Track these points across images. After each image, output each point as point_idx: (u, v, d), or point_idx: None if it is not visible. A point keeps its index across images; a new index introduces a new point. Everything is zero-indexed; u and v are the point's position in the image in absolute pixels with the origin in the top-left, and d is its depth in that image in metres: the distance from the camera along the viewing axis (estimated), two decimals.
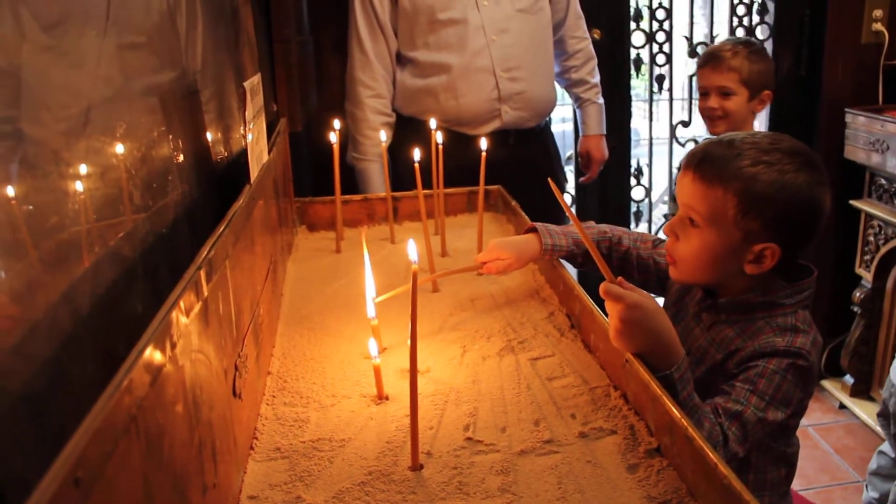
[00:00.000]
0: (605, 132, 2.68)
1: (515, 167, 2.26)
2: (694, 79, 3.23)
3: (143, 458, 0.61)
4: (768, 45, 3.17)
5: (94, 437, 0.51)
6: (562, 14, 2.51)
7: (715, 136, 1.36)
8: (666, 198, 3.56)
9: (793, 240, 1.21)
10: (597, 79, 2.66)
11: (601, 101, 2.66)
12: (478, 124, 2.30)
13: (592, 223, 1.57)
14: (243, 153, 1.30)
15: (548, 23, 2.42)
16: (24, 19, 0.64)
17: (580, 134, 2.70)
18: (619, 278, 1.09)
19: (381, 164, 2.31)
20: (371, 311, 1.21)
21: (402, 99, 2.37)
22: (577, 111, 2.71)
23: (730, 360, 1.22)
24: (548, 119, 2.53)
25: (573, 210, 2.40)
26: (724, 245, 1.22)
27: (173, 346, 0.71)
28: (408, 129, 2.33)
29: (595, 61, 2.65)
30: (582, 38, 2.60)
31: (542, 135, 2.49)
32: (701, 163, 1.23)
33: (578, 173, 3.11)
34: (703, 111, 2.27)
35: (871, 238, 2.94)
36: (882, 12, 2.98)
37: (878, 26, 2.99)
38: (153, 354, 0.65)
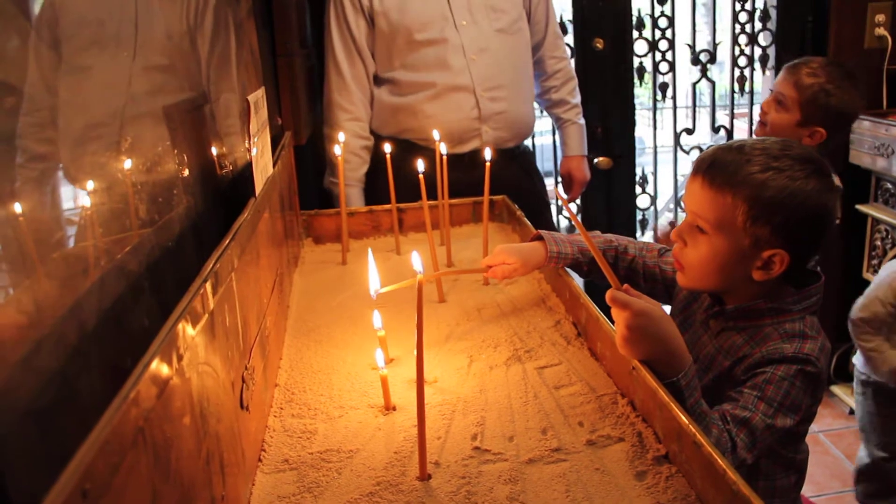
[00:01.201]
0: (586, 153, 2.66)
1: (494, 186, 2.25)
2: (697, 87, 3.24)
3: (151, 470, 0.61)
4: (771, 52, 3.18)
5: (101, 448, 0.51)
6: (541, 35, 2.50)
7: (724, 143, 1.35)
8: (672, 205, 3.55)
9: (801, 246, 1.21)
10: (577, 99, 2.63)
11: (582, 121, 2.64)
12: (457, 143, 2.29)
13: (598, 233, 1.57)
14: (248, 167, 1.31)
15: (527, 43, 2.42)
16: (32, 37, 0.65)
17: (561, 155, 2.69)
18: (626, 285, 1.09)
19: (360, 188, 2.30)
20: (377, 322, 1.22)
21: (379, 119, 2.35)
22: (558, 132, 2.69)
23: (738, 366, 1.22)
24: (527, 140, 2.54)
25: (579, 219, 2.40)
26: (732, 251, 1.21)
27: (180, 358, 0.71)
28: (419, 145, 2.31)
29: (575, 81, 2.63)
30: (561, 58, 2.58)
31: (521, 155, 2.48)
32: (710, 168, 1.23)
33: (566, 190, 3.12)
34: (761, 108, 2.13)
35: (878, 242, 2.94)
36: (885, 17, 2.98)
37: (881, 31, 2.99)
38: (160, 367, 0.65)
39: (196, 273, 0.88)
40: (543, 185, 2.63)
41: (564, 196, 2.73)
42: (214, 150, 1.29)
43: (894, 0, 2.99)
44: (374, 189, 2.31)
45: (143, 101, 0.95)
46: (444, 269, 1.61)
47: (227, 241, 1.00)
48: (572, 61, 2.96)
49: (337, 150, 1.78)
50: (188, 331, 0.75)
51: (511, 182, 2.33)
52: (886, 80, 3.01)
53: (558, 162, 2.80)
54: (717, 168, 1.22)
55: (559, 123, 2.66)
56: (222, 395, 0.87)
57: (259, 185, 1.31)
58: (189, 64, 1.17)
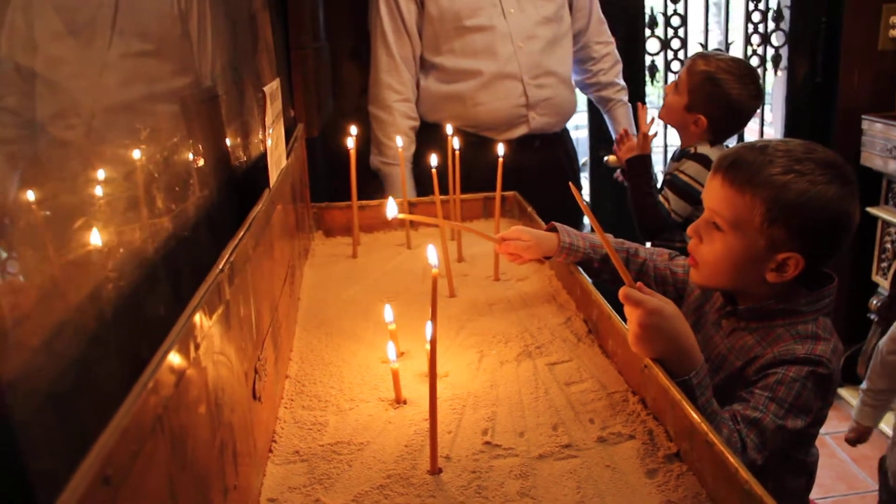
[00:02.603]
0: (636, 132, 2.65)
1: (540, 170, 2.27)
2: None
3: (169, 458, 0.61)
4: (783, 52, 3.17)
5: (122, 436, 0.52)
6: (584, 21, 2.52)
7: (748, 142, 1.35)
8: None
9: (818, 251, 1.20)
10: (622, 81, 2.66)
11: (628, 102, 2.66)
12: (505, 129, 2.32)
13: (610, 236, 1.57)
14: (262, 158, 1.31)
15: (568, 30, 2.43)
16: (45, 23, 0.65)
17: (614, 135, 2.67)
18: (639, 283, 1.09)
19: (407, 168, 2.32)
20: (389, 315, 1.22)
21: (425, 105, 2.37)
22: (607, 115, 2.69)
23: (749, 367, 1.21)
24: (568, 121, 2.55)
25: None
26: (746, 251, 1.21)
27: (196, 347, 0.72)
28: (432, 135, 2.33)
29: (621, 64, 2.66)
30: (608, 43, 2.61)
31: (564, 138, 2.50)
32: (731, 167, 1.22)
33: (593, 180, 3.11)
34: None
35: (889, 245, 2.93)
36: None
37: (895, 33, 2.97)
38: (178, 356, 0.65)
39: (211, 263, 0.88)
40: (579, 168, 2.69)
41: (584, 197, 2.73)
42: (229, 141, 1.29)
43: None
44: (417, 171, 2.35)
45: (158, 89, 0.95)
46: (454, 271, 1.60)
47: (243, 232, 1.00)
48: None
49: (349, 142, 1.78)
50: (204, 321, 0.76)
51: (557, 164, 2.37)
52: None
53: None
54: (738, 167, 1.21)
55: (609, 106, 2.66)
56: (236, 386, 0.88)
57: (273, 177, 1.31)
58: (201, 54, 1.17)
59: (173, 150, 0.98)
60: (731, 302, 1.31)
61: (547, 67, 2.33)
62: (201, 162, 1.11)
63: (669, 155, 2.34)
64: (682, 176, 2.13)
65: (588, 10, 2.52)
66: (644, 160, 2.19)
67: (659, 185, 2.33)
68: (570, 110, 2.48)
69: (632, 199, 2.18)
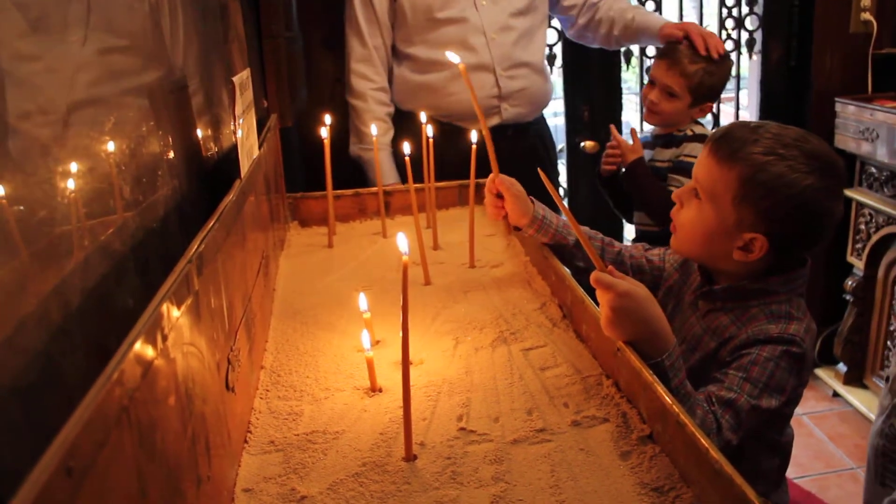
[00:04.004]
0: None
1: (514, 159, 2.25)
2: None
3: (136, 450, 0.61)
4: (758, 36, 3.18)
5: (85, 427, 0.51)
6: None
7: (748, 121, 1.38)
8: None
9: (785, 238, 1.21)
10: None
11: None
12: (477, 121, 2.31)
13: (586, 229, 1.58)
14: (234, 149, 1.30)
15: (543, 20, 2.42)
16: (9, 19, 0.64)
17: (651, 32, 2.45)
18: (610, 267, 1.09)
19: (388, 151, 2.32)
20: (363, 304, 1.22)
21: (400, 94, 2.37)
22: (635, 30, 2.47)
23: (724, 347, 1.23)
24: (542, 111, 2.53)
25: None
26: (717, 224, 1.23)
27: (164, 338, 0.71)
28: (406, 123, 2.33)
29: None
30: None
31: (538, 126, 2.49)
32: (719, 139, 1.24)
33: (570, 167, 3.11)
34: (643, 98, 2.26)
35: (863, 226, 2.95)
36: (870, 1, 2.99)
37: (867, 15, 2.99)
38: (144, 347, 0.65)
39: (181, 254, 0.87)
40: (556, 158, 2.67)
41: (561, 184, 2.72)
42: (199, 132, 1.28)
43: None
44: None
45: (123, 82, 0.94)
46: (430, 259, 1.61)
47: (212, 223, 1.00)
48: (559, 45, 2.97)
49: (323, 132, 1.77)
50: (173, 312, 0.75)
51: (529, 152, 2.37)
52: (871, 65, 3.02)
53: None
54: (725, 140, 1.23)
55: (632, 19, 2.46)
56: (208, 377, 0.87)
57: (244, 168, 1.30)
58: (170, 44, 1.16)
59: (141, 142, 0.98)
60: (707, 282, 1.32)
61: (520, 59, 2.32)
62: (171, 153, 1.10)
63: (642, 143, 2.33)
64: (688, 159, 2.15)
65: None
66: (643, 158, 2.21)
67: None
68: (544, 100, 2.48)
69: (647, 195, 2.19)
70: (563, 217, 1.52)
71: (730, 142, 1.22)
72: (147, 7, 1.05)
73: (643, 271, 1.49)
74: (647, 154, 2.28)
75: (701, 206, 1.25)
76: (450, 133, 2.24)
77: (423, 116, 1.79)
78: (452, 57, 1.53)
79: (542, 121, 2.54)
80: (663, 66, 2.18)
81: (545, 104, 2.50)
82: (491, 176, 1.53)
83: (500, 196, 1.52)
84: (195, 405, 0.80)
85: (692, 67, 2.13)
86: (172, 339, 0.74)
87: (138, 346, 0.64)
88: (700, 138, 2.17)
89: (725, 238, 1.22)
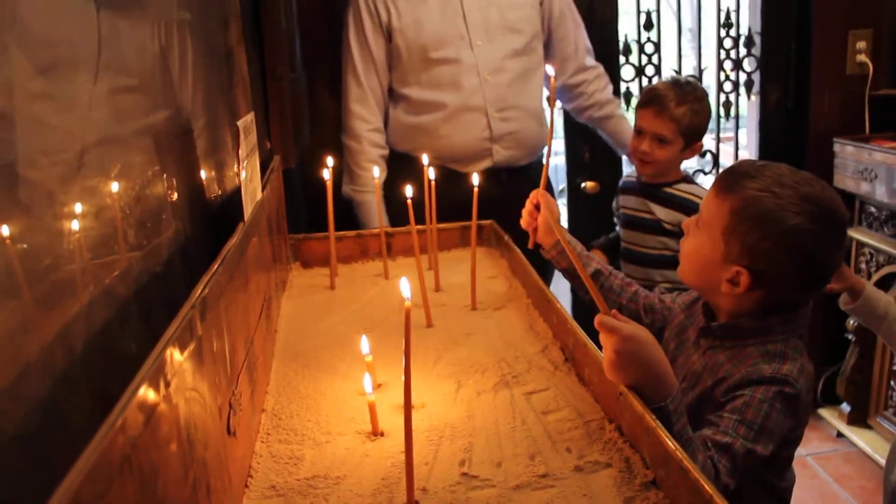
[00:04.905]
0: None
1: (507, 204, 2.26)
2: None
3: (138, 497, 0.61)
4: (756, 77, 3.21)
5: (87, 476, 0.51)
6: (571, 48, 2.52)
7: (757, 160, 1.41)
8: None
9: (772, 276, 1.22)
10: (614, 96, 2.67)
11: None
12: (469, 162, 2.32)
13: (604, 263, 1.63)
14: (237, 191, 1.31)
15: (540, 63, 2.44)
16: (18, 62, 0.65)
17: (617, 146, 2.67)
18: (613, 311, 1.10)
19: (381, 194, 2.32)
20: (365, 347, 1.21)
21: (395, 135, 2.39)
22: (610, 133, 2.65)
23: (719, 386, 1.23)
24: (540, 154, 2.53)
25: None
26: (709, 253, 1.26)
27: (167, 384, 0.71)
28: (401, 165, 2.35)
29: (612, 85, 2.66)
30: (596, 66, 2.60)
31: (533, 171, 2.49)
32: (724, 172, 1.29)
33: (571, 207, 3.12)
34: (634, 151, 2.20)
35: (863, 265, 2.96)
36: (865, 44, 3.03)
37: (862, 57, 3.03)
38: (147, 393, 0.65)
39: (185, 298, 0.88)
40: (555, 197, 2.65)
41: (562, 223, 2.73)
42: (204, 175, 1.29)
43: (874, 27, 3.03)
44: (388, 202, 2.34)
45: (127, 124, 0.95)
46: (431, 302, 1.62)
47: (216, 267, 1.00)
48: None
49: (326, 173, 1.78)
50: (176, 356, 0.75)
51: (522, 198, 2.35)
52: (869, 106, 3.05)
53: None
54: (728, 173, 1.28)
55: (611, 123, 2.63)
56: (209, 421, 0.87)
57: (248, 210, 1.31)
58: (177, 88, 1.17)
59: (146, 185, 0.98)
60: (709, 319, 1.33)
61: (513, 101, 2.34)
62: (175, 196, 1.11)
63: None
64: (692, 198, 2.14)
65: (574, 38, 2.52)
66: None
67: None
68: (537, 145, 2.47)
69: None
70: (587, 252, 1.61)
71: (732, 175, 1.26)
72: (156, 50, 1.07)
73: (654, 310, 1.52)
74: (630, 200, 2.25)
75: (698, 235, 1.29)
76: (443, 176, 2.24)
77: (425, 158, 1.80)
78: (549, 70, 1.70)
79: (538, 166, 2.53)
80: (650, 114, 2.14)
81: (539, 149, 2.49)
82: (536, 190, 1.61)
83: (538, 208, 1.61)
84: (196, 450, 0.80)
85: (679, 110, 2.10)
86: (175, 385, 0.74)
87: (141, 392, 0.64)
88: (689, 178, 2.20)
89: (716, 269, 1.25)
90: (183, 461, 0.75)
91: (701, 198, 2.03)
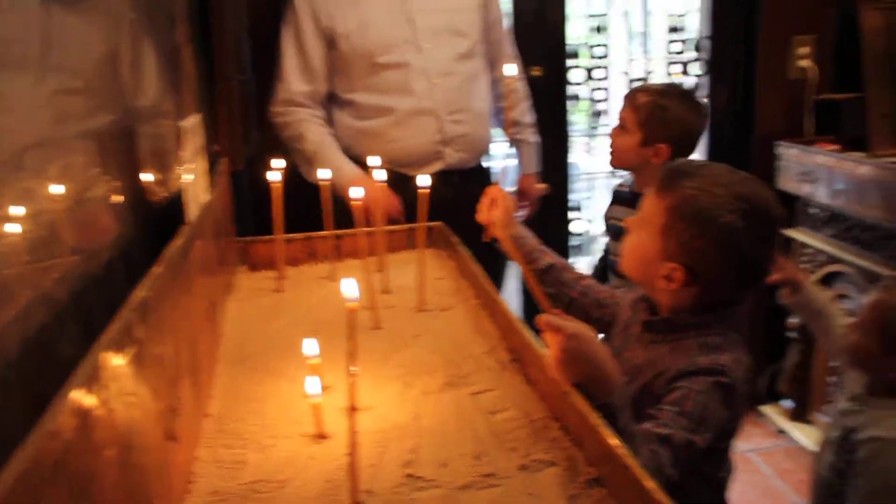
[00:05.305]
0: (539, 170, 2.67)
1: (459, 205, 2.26)
2: None
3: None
4: (704, 81, 3.27)
5: (16, 483, 0.50)
6: (495, 55, 2.52)
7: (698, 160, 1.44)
8: None
9: (707, 273, 1.25)
10: (529, 118, 2.64)
11: (535, 139, 2.65)
12: (420, 165, 2.31)
13: (558, 257, 1.65)
14: (182, 193, 1.29)
15: (484, 66, 2.45)
16: None
17: (518, 173, 2.69)
18: (557, 310, 1.11)
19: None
20: (311, 349, 1.21)
21: (342, 141, 2.36)
22: (514, 150, 2.69)
23: (658, 378, 1.25)
24: (488, 156, 2.55)
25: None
26: (648, 250, 1.29)
27: (104, 388, 0.70)
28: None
29: (528, 102, 2.65)
30: (516, 79, 2.59)
31: (483, 173, 2.50)
32: (664, 171, 1.31)
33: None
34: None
35: (805, 265, 3.02)
36: (808, 49, 3.10)
37: (805, 62, 3.10)
38: (82, 397, 0.64)
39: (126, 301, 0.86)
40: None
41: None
42: (147, 177, 1.27)
43: (818, 34, 3.10)
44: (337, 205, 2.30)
45: (68, 125, 0.94)
46: (380, 303, 1.62)
47: (158, 269, 0.99)
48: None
49: (273, 176, 1.76)
50: (114, 361, 0.74)
51: (473, 199, 2.35)
52: (811, 110, 3.12)
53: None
54: (668, 172, 1.30)
55: (514, 143, 2.66)
56: (149, 426, 0.86)
57: (192, 212, 1.30)
58: (121, 88, 1.15)
59: (86, 187, 0.97)
60: (652, 314, 1.35)
61: (464, 103, 2.34)
62: (117, 198, 1.09)
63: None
64: None
65: (499, 46, 2.52)
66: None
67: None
68: (485, 146, 2.49)
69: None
70: (542, 246, 1.64)
71: (671, 174, 1.29)
72: (100, 48, 1.05)
73: (605, 305, 1.55)
74: (619, 211, 2.21)
75: (638, 232, 1.32)
76: (393, 180, 2.23)
77: (371, 161, 1.80)
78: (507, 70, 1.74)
79: (483, 169, 2.55)
80: (623, 102, 2.13)
81: (486, 150, 2.51)
82: (493, 185, 1.64)
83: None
84: (135, 456, 0.79)
85: (643, 99, 2.06)
86: (112, 389, 0.73)
87: (75, 396, 0.63)
88: None
89: (654, 265, 1.28)
90: (121, 467, 0.74)
91: None
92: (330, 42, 2.27)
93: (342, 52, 2.25)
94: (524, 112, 2.64)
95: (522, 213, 2.66)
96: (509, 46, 2.58)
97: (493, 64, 2.53)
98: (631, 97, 2.11)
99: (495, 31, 2.49)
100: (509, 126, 2.61)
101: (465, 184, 2.36)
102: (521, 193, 2.67)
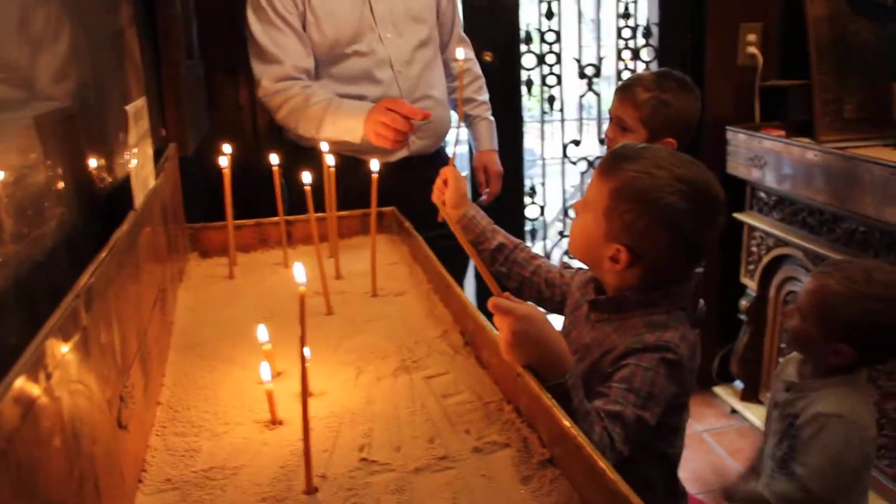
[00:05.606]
0: (497, 148, 2.67)
1: (421, 190, 2.25)
2: (583, 99, 3.33)
3: (15, 496, 0.59)
4: (653, 67, 3.30)
5: None
6: (447, 37, 2.52)
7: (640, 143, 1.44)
8: (561, 216, 3.64)
9: (650, 253, 1.27)
10: (484, 96, 2.64)
11: (491, 117, 2.65)
12: (385, 153, 2.28)
13: (508, 236, 1.68)
14: (128, 179, 1.27)
15: (438, 50, 2.45)
16: None
17: (473, 151, 2.70)
18: (506, 293, 1.11)
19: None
20: (263, 335, 1.20)
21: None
22: (469, 130, 2.69)
23: (606, 357, 1.27)
24: (445, 141, 2.54)
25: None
26: (593, 232, 1.31)
27: (48, 376, 0.69)
28: (306, 155, 2.29)
29: (482, 80, 2.64)
30: (467, 59, 2.59)
31: (440, 156, 2.50)
32: (607, 156, 1.34)
33: (474, 194, 3.14)
34: (606, 136, 2.11)
35: (755, 248, 3.08)
36: (755, 36, 3.15)
37: (753, 49, 3.15)
38: (25, 386, 0.63)
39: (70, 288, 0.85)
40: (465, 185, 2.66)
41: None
42: (92, 162, 1.25)
43: (764, 21, 3.15)
44: (289, 191, 2.27)
45: (8, 108, 0.91)
46: (332, 289, 1.61)
47: (103, 255, 0.97)
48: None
49: (223, 161, 1.74)
50: (59, 348, 0.73)
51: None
52: (759, 96, 3.17)
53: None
54: (610, 157, 1.33)
55: (469, 121, 2.65)
56: (98, 415, 0.84)
57: (139, 198, 1.27)
58: (60, 70, 1.13)
59: (25, 173, 0.94)
60: (599, 294, 1.37)
61: (425, 91, 2.34)
62: (59, 184, 1.07)
63: None
64: None
65: (450, 27, 2.52)
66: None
67: None
68: (447, 130, 2.49)
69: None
70: (495, 228, 1.66)
71: (613, 158, 1.32)
72: (38, 27, 1.02)
73: (555, 285, 1.56)
74: None
75: (584, 215, 1.34)
76: (351, 164, 2.22)
77: (323, 146, 1.78)
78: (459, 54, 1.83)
79: (442, 153, 2.54)
80: (617, 98, 2.03)
81: (446, 134, 2.51)
82: (446, 167, 1.68)
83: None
84: (83, 445, 0.78)
85: (644, 96, 1.96)
86: (58, 377, 0.71)
87: (18, 385, 0.61)
88: None
89: (600, 247, 1.30)
90: (68, 456, 0.73)
91: None
92: (301, 28, 2.23)
93: (312, 39, 2.22)
94: (478, 90, 2.64)
95: (486, 192, 2.64)
96: (459, 27, 2.57)
97: (445, 47, 2.53)
98: (628, 94, 2.00)
99: (447, 13, 2.48)
100: (462, 106, 2.60)
101: (425, 168, 2.35)
102: (479, 172, 2.66)
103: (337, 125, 2.16)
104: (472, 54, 2.63)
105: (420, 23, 2.34)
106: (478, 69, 2.65)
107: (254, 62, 2.26)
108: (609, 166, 1.30)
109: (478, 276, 2.94)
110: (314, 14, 2.21)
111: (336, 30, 2.22)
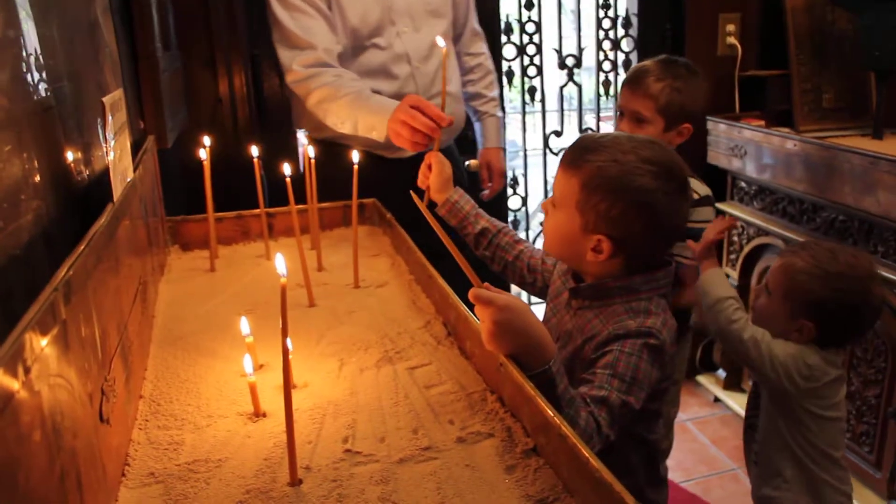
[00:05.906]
0: (503, 146, 2.65)
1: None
2: (564, 90, 3.34)
3: None
4: (633, 57, 3.30)
5: None
6: (460, 30, 2.49)
7: (599, 133, 1.44)
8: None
9: (629, 238, 1.27)
10: (494, 92, 2.62)
11: (499, 113, 2.64)
12: (398, 148, 2.25)
13: (493, 220, 1.66)
14: (107, 172, 1.26)
15: (454, 41, 2.43)
16: None
17: (479, 147, 2.67)
18: (486, 283, 1.11)
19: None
20: (245, 328, 1.19)
21: (317, 121, 2.28)
22: (476, 124, 2.66)
23: (588, 343, 1.27)
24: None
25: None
26: (569, 228, 1.30)
27: (27, 370, 0.68)
28: (330, 152, 2.23)
29: (493, 76, 2.62)
30: (478, 54, 2.57)
31: (452, 151, 2.47)
32: (569, 150, 1.32)
33: (476, 188, 3.13)
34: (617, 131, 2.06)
35: (736, 238, 3.10)
36: (734, 27, 3.16)
37: (732, 40, 3.16)
38: (3, 380, 0.62)
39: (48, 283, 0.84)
40: (466, 176, 2.65)
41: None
42: (69, 155, 1.23)
43: (743, 12, 3.16)
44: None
45: None
46: (314, 281, 1.60)
47: (81, 249, 0.96)
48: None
49: (202, 153, 1.73)
50: (37, 342, 0.72)
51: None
52: (738, 86, 3.19)
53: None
54: (572, 150, 1.32)
55: (476, 116, 2.62)
56: (79, 409, 0.84)
57: (117, 191, 1.26)
58: (34, 60, 1.11)
59: (0, 166, 0.93)
60: (578, 281, 1.37)
61: (441, 86, 2.30)
62: (36, 177, 1.05)
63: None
64: (697, 225, 1.93)
65: (464, 21, 2.49)
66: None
67: None
68: (461, 126, 2.45)
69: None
70: (480, 213, 1.64)
71: (575, 151, 1.31)
72: (14, 20, 1.01)
73: (537, 270, 1.56)
74: None
75: (556, 212, 1.33)
76: (335, 153, 2.19)
77: (301, 136, 1.77)
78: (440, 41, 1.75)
79: (451, 147, 2.50)
80: (627, 91, 2.00)
81: (461, 130, 2.46)
82: (431, 152, 1.67)
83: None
84: (64, 439, 0.77)
85: (657, 86, 1.95)
86: (37, 371, 0.70)
87: None
88: (707, 200, 1.99)
89: (578, 241, 1.30)
90: (48, 451, 0.72)
91: (699, 193, 1.94)
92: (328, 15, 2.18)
93: (335, 28, 2.18)
94: (489, 85, 2.61)
95: (489, 186, 2.62)
96: (474, 19, 2.53)
97: (458, 39, 2.50)
98: (639, 86, 1.98)
99: (461, 4, 2.45)
100: (470, 100, 2.59)
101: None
102: (483, 168, 2.64)
103: (361, 123, 2.05)
104: (485, 48, 2.60)
105: (438, 17, 2.30)
106: (490, 64, 2.62)
107: (280, 49, 2.17)
108: (574, 160, 1.30)
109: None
110: (340, 3, 2.15)
111: (359, 18, 2.16)
